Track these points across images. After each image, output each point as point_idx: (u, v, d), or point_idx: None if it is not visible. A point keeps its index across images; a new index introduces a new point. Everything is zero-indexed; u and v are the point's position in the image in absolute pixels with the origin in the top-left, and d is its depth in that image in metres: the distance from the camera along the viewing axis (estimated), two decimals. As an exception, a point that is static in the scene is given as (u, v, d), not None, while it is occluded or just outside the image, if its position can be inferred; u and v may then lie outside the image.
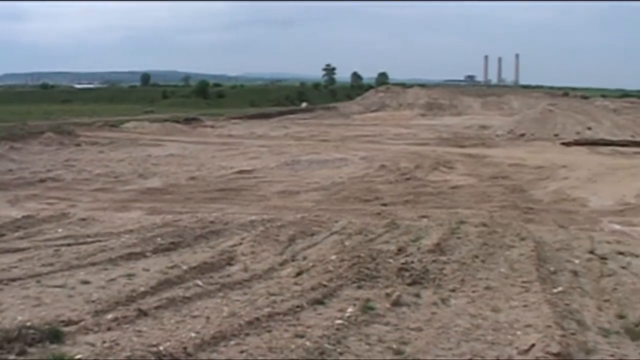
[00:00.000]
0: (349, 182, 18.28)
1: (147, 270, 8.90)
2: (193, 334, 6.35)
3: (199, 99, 74.93)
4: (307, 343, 6.20)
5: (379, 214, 13.63)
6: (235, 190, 16.77)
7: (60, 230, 11.57)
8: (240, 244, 10.52)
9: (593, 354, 6.46)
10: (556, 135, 33.75)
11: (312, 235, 11.18)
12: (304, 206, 14.55)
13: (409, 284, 8.45)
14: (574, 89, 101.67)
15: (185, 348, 6.01)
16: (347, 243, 10.31)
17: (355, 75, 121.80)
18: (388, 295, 7.90)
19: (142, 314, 7.03)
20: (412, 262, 9.12)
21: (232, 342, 6.29)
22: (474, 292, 8.27)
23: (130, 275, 8.63)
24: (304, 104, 67.27)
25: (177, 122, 38.93)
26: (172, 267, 8.96)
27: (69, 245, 10.30)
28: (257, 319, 6.85)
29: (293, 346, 6.14)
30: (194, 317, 7.05)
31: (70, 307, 7.27)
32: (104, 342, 6.13)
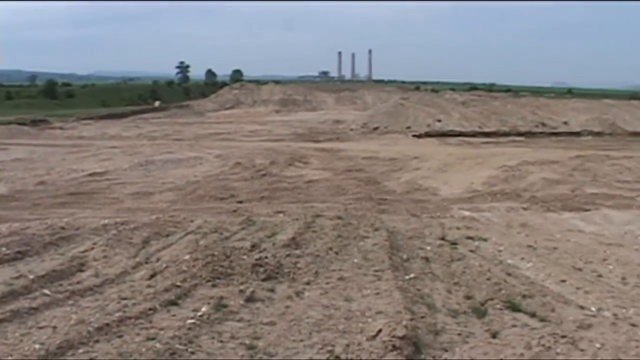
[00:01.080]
0: (204, 180, 18.15)
1: (-10, 282, 8.45)
2: (37, 346, 6.11)
3: (46, 99, 71.20)
4: (158, 345, 6.15)
5: (234, 211, 13.64)
6: (87, 194, 16.22)
7: None
8: (92, 249, 10.19)
9: (441, 334, 6.83)
10: (408, 127, 35.00)
11: (167, 236, 11.02)
12: (159, 207, 14.30)
13: (264, 280, 8.54)
14: (424, 83, 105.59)
15: (28, 361, 5.77)
16: (201, 242, 10.27)
17: (210, 73, 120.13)
18: (242, 291, 7.95)
19: (-17, 329, 6.68)
20: (267, 257, 9.21)
21: (80, 350, 6.11)
22: (327, 283, 8.47)
23: (-31, 290, 8.15)
24: (157, 103, 65.83)
25: (23, 124, 37.05)
26: (17, 278, 8.53)
27: None
28: (107, 324, 6.69)
29: (144, 349, 6.07)
30: (40, 328, 6.78)
31: None
32: None
